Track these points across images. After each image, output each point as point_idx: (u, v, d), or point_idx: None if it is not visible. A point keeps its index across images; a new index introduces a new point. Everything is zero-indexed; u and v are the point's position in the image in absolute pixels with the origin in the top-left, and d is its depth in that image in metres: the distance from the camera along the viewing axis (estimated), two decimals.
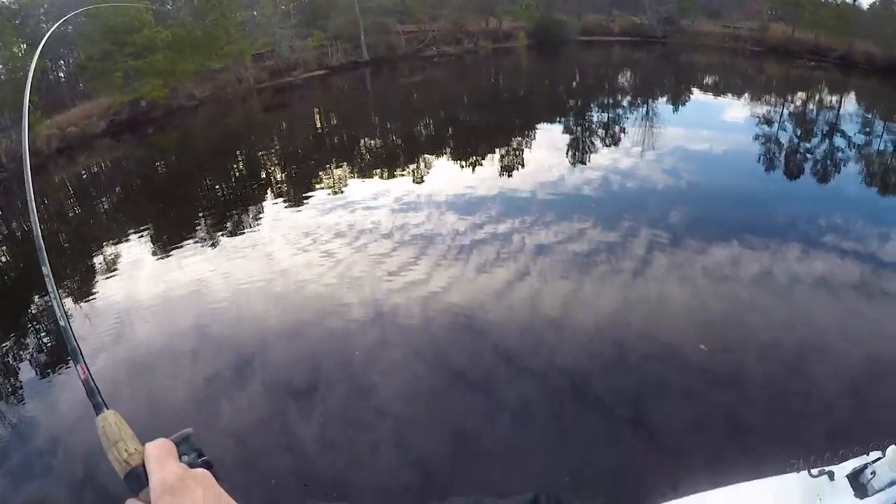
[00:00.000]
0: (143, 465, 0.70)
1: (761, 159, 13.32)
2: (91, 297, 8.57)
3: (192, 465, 0.72)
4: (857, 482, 2.14)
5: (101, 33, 22.74)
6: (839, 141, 14.79)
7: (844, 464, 2.24)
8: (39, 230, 0.99)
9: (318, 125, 21.88)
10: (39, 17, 26.82)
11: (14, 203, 14.47)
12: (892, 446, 2.06)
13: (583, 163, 13.60)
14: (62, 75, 28.37)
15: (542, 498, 0.63)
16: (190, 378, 6.23)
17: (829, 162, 13.19)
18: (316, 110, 24.00)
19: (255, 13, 30.72)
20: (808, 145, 14.86)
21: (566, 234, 9.16)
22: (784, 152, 14.15)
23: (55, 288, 0.91)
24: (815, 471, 2.21)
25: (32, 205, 1.04)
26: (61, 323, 0.87)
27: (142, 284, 8.74)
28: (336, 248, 9.19)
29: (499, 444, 4.99)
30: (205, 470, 0.72)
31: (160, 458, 0.69)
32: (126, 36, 22.43)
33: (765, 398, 5.37)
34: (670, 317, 6.80)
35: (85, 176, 17.64)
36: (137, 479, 0.70)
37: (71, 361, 0.84)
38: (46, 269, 0.92)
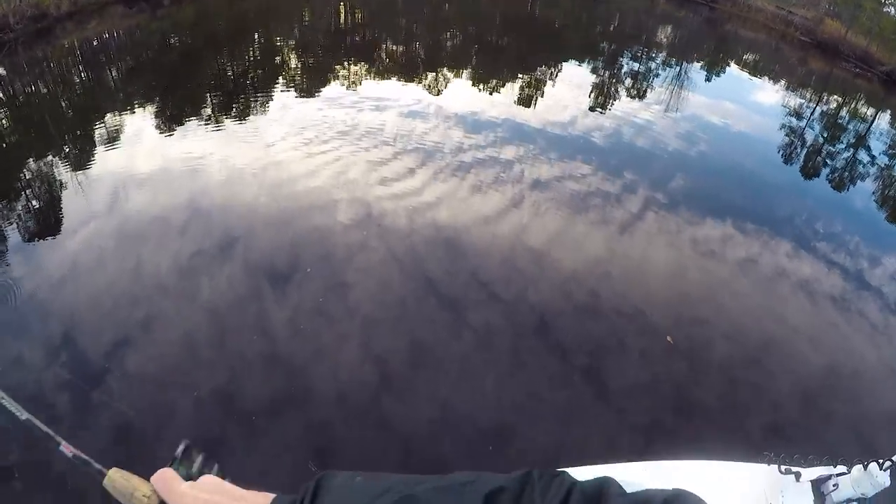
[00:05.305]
0: (161, 501, 0.74)
1: (779, 150, 12.97)
2: (89, 166, 8.33)
3: (198, 476, 0.77)
4: (819, 490, 2.26)
5: None
6: (862, 155, 14.43)
7: (812, 469, 2.35)
8: None
9: (342, 20, 20.88)
10: None
11: (20, 64, 13.59)
12: (859, 465, 2.14)
13: (602, 108, 13.12)
14: None
15: (535, 472, 0.64)
16: (176, 250, 6.26)
17: (846, 172, 12.87)
18: (341, 3, 22.81)
19: None
20: (830, 149, 14.47)
21: (567, 173, 9.05)
22: (805, 149, 13.76)
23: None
24: (783, 468, 2.31)
25: None
26: (22, 417, 0.84)
27: (140, 158, 8.52)
28: (336, 146, 9.06)
29: (456, 361, 5.13)
30: (210, 476, 0.76)
31: (167, 487, 0.74)
32: None
33: (718, 380, 5.45)
34: (648, 278, 6.81)
35: (95, 43, 16.61)
36: None
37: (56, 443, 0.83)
38: None
